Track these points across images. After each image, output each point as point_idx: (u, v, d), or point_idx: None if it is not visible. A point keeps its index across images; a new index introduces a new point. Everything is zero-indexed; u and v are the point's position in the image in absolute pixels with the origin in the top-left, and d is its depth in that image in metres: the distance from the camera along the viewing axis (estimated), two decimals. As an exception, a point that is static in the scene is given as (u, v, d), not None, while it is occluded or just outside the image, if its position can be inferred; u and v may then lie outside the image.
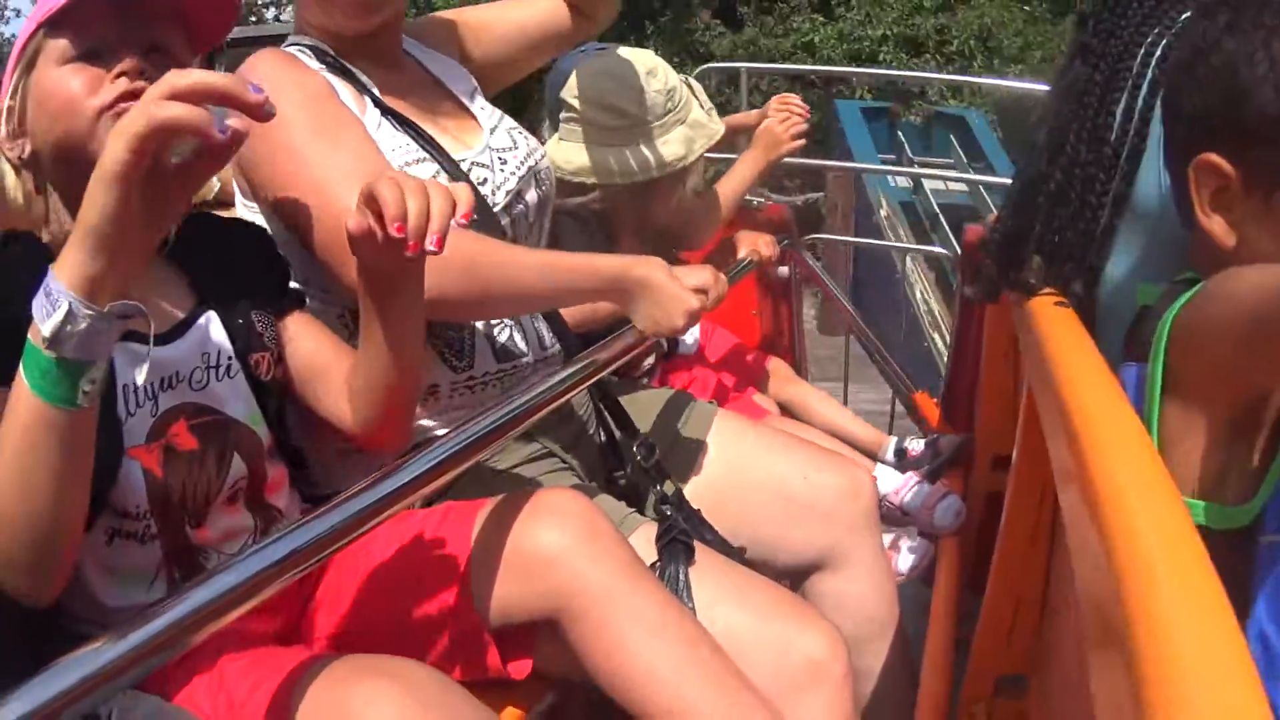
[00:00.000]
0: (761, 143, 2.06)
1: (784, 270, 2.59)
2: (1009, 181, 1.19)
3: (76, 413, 0.73)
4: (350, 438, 1.06)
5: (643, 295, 1.17)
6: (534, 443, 1.29)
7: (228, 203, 1.33)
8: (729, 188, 2.04)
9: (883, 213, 5.99)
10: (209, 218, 1.09)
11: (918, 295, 5.29)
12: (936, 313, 5.14)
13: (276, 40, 1.30)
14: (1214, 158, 0.81)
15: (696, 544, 1.16)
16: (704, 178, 1.96)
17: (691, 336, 2.10)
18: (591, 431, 1.41)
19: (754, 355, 2.35)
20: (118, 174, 0.69)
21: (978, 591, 1.30)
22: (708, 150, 1.77)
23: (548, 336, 1.35)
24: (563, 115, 1.72)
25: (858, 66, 9.71)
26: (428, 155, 1.22)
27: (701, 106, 1.76)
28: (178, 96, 0.69)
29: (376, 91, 1.24)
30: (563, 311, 1.39)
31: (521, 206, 1.32)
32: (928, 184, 6.37)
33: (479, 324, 1.25)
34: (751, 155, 2.07)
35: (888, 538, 1.84)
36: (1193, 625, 0.45)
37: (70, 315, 0.70)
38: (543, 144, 1.46)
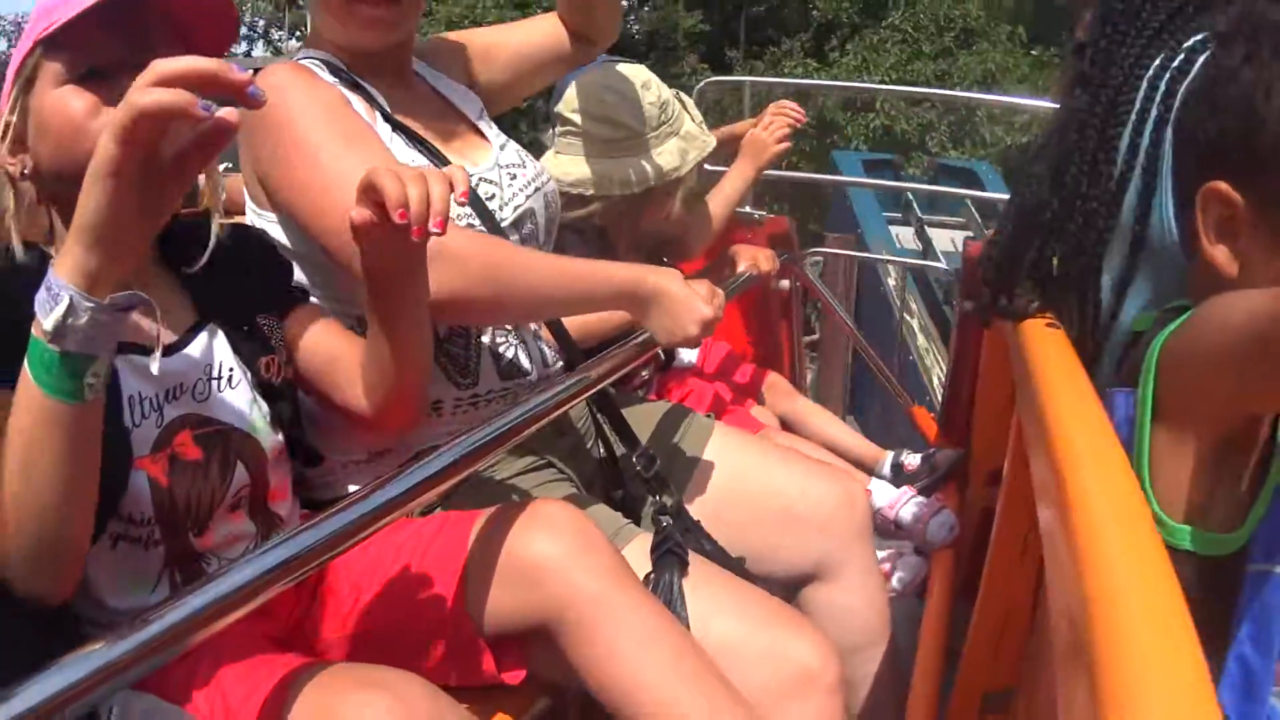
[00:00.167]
0: (748, 151, 2.09)
1: (784, 284, 2.61)
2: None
3: (82, 407, 0.75)
4: (367, 422, 1.07)
5: (657, 304, 1.18)
6: (531, 454, 1.31)
7: (234, 213, 1.34)
8: (720, 198, 2.07)
9: (890, 282, 5.53)
10: (209, 227, 1.08)
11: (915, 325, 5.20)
12: (929, 329, 5.10)
13: None
14: (1223, 186, 0.82)
15: (691, 554, 1.18)
16: (695, 188, 1.97)
17: (691, 351, 2.12)
18: (590, 444, 1.43)
19: (752, 370, 2.37)
20: (110, 169, 0.71)
21: (971, 603, 1.31)
22: (700, 162, 1.79)
23: (550, 355, 1.37)
24: (559, 129, 1.74)
25: (852, 114, 9.57)
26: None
27: (693, 119, 1.79)
28: (162, 83, 0.70)
29: (387, 107, 1.25)
30: (576, 319, 1.40)
31: (531, 226, 1.33)
32: (938, 244, 5.92)
33: (484, 340, 1.27)
34: (739, 165, 2.10)
35: (883, 554, 1.85)
36: (1154, 645, 0.46)
37: (71, 308, 0.72)
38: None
